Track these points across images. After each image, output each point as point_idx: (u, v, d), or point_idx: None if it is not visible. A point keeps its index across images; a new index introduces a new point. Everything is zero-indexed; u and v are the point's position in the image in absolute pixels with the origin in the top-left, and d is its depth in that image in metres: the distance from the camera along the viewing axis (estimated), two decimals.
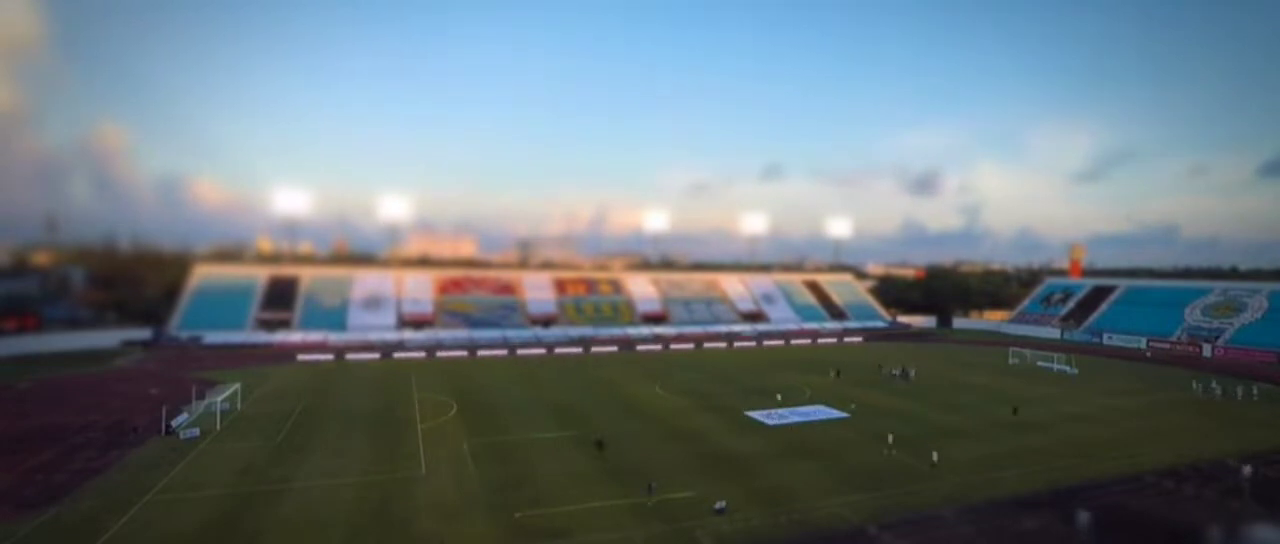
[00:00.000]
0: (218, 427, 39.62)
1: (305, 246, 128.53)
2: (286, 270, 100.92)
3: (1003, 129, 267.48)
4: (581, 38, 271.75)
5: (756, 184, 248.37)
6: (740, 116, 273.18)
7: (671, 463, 33.29)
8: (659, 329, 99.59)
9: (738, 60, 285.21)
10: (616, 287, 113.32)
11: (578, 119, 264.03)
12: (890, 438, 37.18)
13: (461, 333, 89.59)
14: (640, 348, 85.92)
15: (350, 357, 73.43)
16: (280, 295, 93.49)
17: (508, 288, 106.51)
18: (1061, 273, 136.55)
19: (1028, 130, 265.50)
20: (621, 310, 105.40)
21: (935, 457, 33.48)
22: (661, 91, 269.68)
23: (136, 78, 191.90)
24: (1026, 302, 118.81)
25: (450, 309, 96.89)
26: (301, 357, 72.28)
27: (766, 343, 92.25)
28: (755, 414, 44.59)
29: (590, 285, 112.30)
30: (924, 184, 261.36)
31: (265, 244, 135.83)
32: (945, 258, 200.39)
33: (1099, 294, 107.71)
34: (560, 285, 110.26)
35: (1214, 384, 56.14)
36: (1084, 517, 25.70)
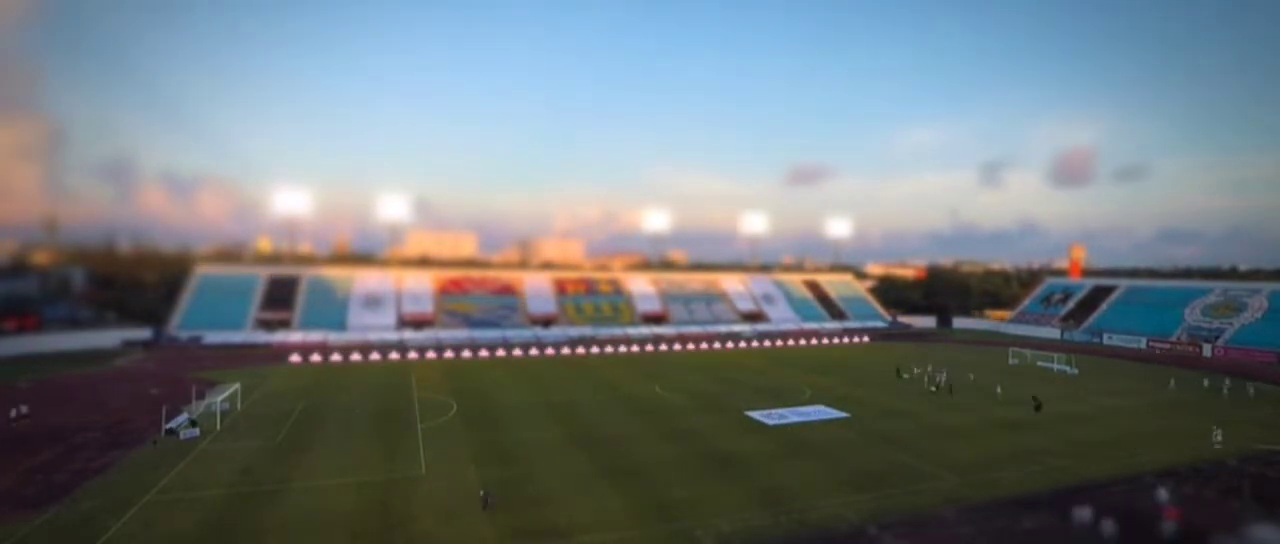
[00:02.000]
0: (218, 427, 39.63)
1: (305, 247, 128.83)
2: (286, 270, 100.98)
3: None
4: (592, 33, 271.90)
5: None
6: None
7: (671, 463, 33.29)
8: (659, 329, 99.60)
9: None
10: (616, 286, 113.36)
11: (586, 116, 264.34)
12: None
13: (461, 333, 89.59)
14: (640, 348, 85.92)
15: (350, 357, 73.43)
16: (280, 295, 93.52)
17: (508, 288, 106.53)
18: (1061, 273, 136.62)
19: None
20: (621, 310, 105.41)
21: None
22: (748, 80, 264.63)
23: (137, 75, 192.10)
24: (1027, 302, 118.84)
25: (450, 309, 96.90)
26: (301, 356, 72.29)
27: (766, 343, 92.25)
28: (755, 414, 44.59)
29: (590, 285, 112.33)
30: (1070, 174, 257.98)
31: (265, 244, 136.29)
32: (1002, 256, 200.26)
33: (1099, 294, 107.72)
34: (560, 285, 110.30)
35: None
36: (1083, 514, 25.65)
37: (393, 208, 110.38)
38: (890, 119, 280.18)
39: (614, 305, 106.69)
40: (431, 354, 76.98)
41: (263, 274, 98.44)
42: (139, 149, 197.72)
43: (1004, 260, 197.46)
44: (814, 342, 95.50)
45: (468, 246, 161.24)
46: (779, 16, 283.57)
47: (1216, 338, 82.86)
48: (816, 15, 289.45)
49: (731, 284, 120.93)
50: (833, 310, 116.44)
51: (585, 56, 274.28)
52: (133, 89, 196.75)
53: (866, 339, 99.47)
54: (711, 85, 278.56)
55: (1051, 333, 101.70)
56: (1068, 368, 65.68)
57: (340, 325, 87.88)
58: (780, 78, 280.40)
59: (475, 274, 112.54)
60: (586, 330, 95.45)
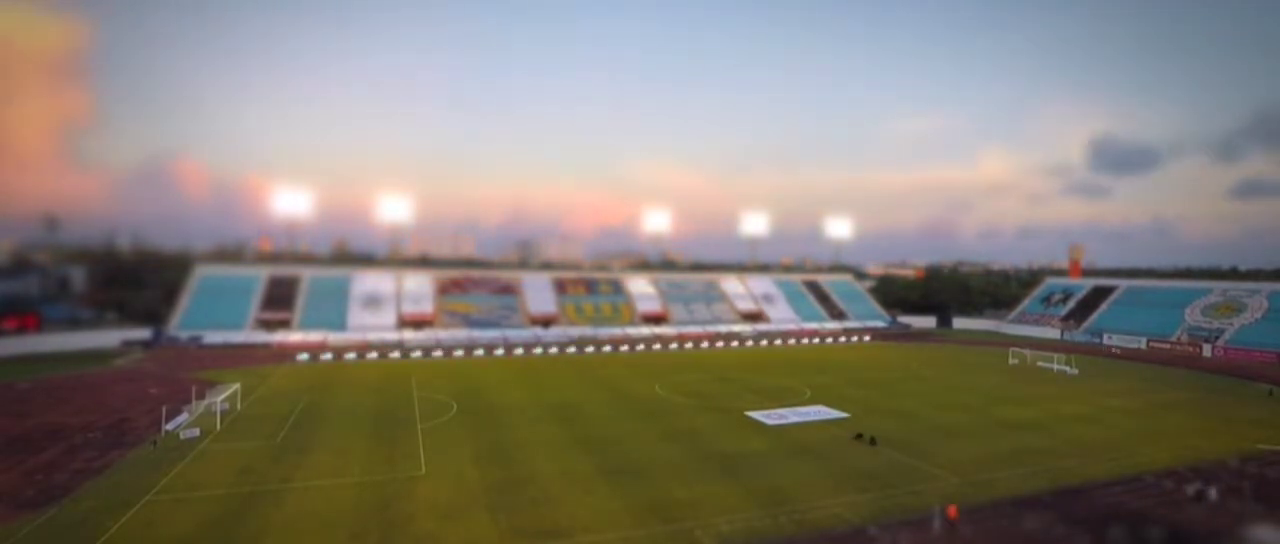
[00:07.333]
0: (218, 427, 39.62)
1: (305, 247, 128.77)
2: (286, 270, 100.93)
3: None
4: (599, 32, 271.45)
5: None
6: None
7: (671, 463, 33.29)
8: (659, 329, 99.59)
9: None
10: (616, 286, 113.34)
11: (587, 116, 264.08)
12: None
13: (461, 333, 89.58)
14: (640, 348, 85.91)
15: (350, 357, 73.41)
16: (280, 295, 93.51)
17: (508, 288, 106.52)
18: (1061, 273, 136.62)
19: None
20: (621, 310, 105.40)
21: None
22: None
23: (137, 74, 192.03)
24: (1027, 302, 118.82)
25: (450, 309, 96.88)
26: (301, 356, 72.26)
27: (766, 343, 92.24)
28: (755, 414, 44.58)
29: (590, 285, 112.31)
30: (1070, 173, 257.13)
31: (265, 244, 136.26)
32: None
33: (1099, 294, 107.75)
34: (560, 285, 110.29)
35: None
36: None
37: (393, 208, 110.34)
38: (888, 111, 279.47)
39: (614, 305, 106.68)
40: (432, 354, 76.98)
41: (263, 274, 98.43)
42: (140, 146, 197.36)
43: (1004, 261, 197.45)
44: (814, 341, 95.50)
45: (468, 246, 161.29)
46: (775, 11, 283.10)
47: (1216, 338, 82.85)
48: (814, 10, 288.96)
49: (731, 284, 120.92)
50: (833, 310, 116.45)
51: (586, 56, 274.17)
52: (131, 86, 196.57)
53: (867, 339, 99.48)
54: (713, 83, 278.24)
55: (1052, 333, 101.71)
56: (1068, 368, 65.68)
57: (340, 325, 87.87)
58: (778, 71, 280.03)
59: (475, 274, 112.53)
60: (586, 330, 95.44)
